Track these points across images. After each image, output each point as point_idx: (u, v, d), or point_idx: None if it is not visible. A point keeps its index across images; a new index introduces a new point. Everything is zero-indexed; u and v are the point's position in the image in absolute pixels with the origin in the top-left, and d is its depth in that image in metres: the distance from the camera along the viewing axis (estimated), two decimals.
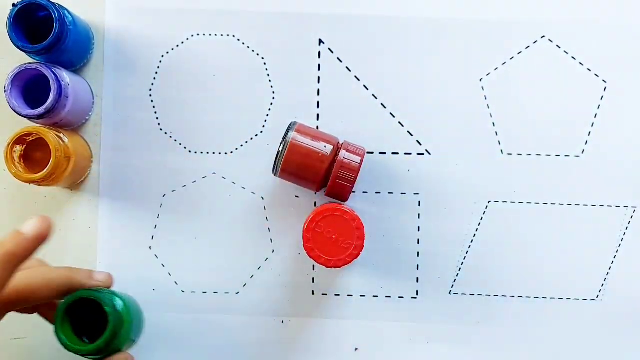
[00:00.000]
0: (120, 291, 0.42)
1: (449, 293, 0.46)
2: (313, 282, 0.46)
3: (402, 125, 0.46)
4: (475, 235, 0.46)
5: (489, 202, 0.46)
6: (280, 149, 0.41)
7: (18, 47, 0.41)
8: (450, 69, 0.46)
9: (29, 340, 0.46)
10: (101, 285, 0.40)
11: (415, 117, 0.46)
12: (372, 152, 0.46)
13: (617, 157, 0.46)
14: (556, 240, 0.46)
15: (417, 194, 0.46)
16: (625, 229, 0.46)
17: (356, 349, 0.46)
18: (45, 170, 0.40)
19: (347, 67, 0.46)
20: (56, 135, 0.41)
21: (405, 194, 0.46)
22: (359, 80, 0.46)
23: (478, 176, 0.46)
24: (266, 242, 0.46)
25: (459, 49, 0.46)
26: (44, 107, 0.40)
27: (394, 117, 0.46)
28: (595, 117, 0.46)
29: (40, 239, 0.35)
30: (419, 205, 0.46)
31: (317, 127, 0.46)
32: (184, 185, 0.46)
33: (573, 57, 0.46)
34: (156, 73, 0.46)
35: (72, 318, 0.38)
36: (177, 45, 0.46)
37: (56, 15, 0.40)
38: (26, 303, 0.37)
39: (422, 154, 0.46)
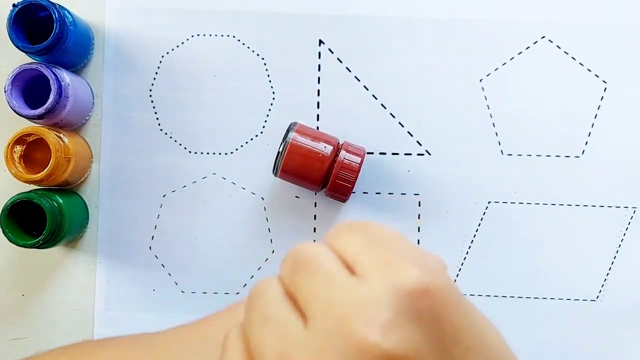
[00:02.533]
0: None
1: None
2: None
3: (402, 126, 0.46)
4: (475, 235, 0.46)
5: (489, 202, 0.46)
6: (280, 149, 0.41)
7: (18, 48, 0.41)
8: (450, 69, 0.46)
9: (29, 340, 0.46)
10: None
11: (415, 118, 0.46)
12: (372, 153, 0.46)
13: (617, 157, 0.46)
14: (556, 241, 0.46)
15: (417, 194, 0.46)
16: (625, 229, 0.46)
17: None
18: (45, 170, 0.40)
19: (347, 68, 0.46)
20: (56, 135, 0.41)
21: (405, 194, 0.46)
22: (359, 80, 0.46)
23: (478, 176, 0.46)
24: (266, 242, 0.46)
25: (459, 49, 0.46)
26: (44, 107, 0.40)
27: (394, 117, 0.46)
28: (595, 117, 0.46)
29: None
30: (419, 205, 0.46)
31: (317, 128, 0.46)
32: (184, 186, 0.46)
33: (573, 57, 0.46)
34: (156, 73, 0.46)
35: (22, 221, 0.42)
36: (177, 45, 0.46)
37: (56, 16, 0.40)
38: None
39: (422, 154, 0.46)
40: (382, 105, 0.46)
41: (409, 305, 0.21)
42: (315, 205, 0.46)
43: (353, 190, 0.43)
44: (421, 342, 0.21)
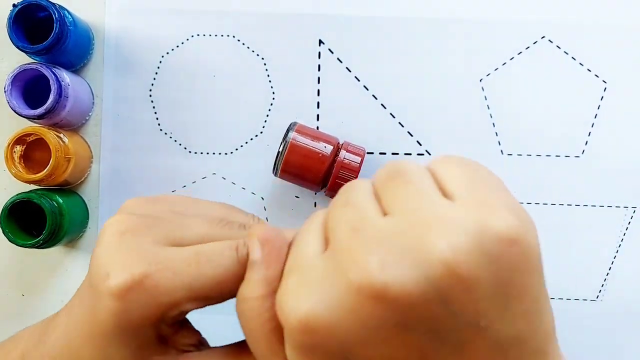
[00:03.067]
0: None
1: None
2: None
3: (402, 126, 0.46)
4: None
5: None
6: (280, 149, 0.41)
7: (18, 48, 0.41)
8: (450, 69, 0.46)
9: None
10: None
11: (415, 118, 0.46)
12: (372, 152, 0.46)
13: (617, 157, 0.46)
14: (556, 240, 0.46)
15: None
16: (625, 229, 0.46)
17: None
18: (45, 170, 0.40)
19: (347, 68, 0.46)
20: (56, 135, 0.41)
21: None
22: (359, 80, 0.46)
23: None
24: None
25: (459, 49, 0.46)
26: (44, 107, 0.40)
27: (394, 117, 0.46)
28: (595, 117, 0.46)
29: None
30: None
31: (317, 127, 0.46)
32: (184, 186, 0.46)
33: (573, 57, 0.46)
34: (156, 73, 0.46)
35: (22, 221, 0.42)
36: (177, 45, 0.46)
37: (56, 16, 0.40)
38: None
39: (422, 154, 0.46)
40: (382, 105, 0.46)
41: (491, 246, 0.21)
42: (315, 205, 0.46)
43: None
44: (488, 278, 0.21)
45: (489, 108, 0.46)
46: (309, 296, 0.21)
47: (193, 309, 0.26)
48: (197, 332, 0.28)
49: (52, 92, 0.40)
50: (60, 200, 0.42)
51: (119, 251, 0.25)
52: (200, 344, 0.28)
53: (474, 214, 0.21)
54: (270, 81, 0.46)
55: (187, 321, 0.28)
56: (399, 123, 0.46)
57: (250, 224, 0.29)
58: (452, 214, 0.21)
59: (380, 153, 0.46)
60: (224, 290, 0.25)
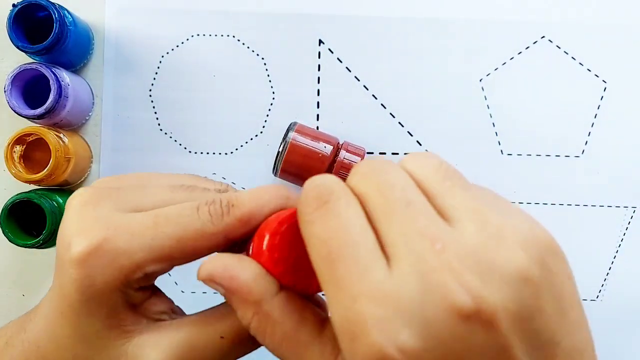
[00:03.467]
0: None
1: None
2: None
3: (402, 126, 0.46)
4: None
5: None
6: (280, 149, 0.41)
7: (18, 47, 0.41)
8: (450, 69, 0.46)
9: None
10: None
11: (415, 117, 0.46)
12: (372, 152, 0.46)
13: (617, 157, 0.46)
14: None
15: None
16: (625, 229, 0.46)
17: None
18: (45, 170, 0.40)
19: (347, 68, 0.46)
20: (56, 135, 0.41)
21: None
22: (359, 80, 0.46)
23: (478, 176, 0.46)
24: None
25: (459, 49, 0.46)
26: (44, 107, 0.40)
27: (394, 117, 0.46)
28: (595, 117, 0.46)
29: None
30: None
31: (317, 127, 0.46)
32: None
33: (573, 57, 0.46)
34: (156, 73, 0.46)
35: (22, 221, 0.42)
36: (177, 45, 0.46)
37: (56, 16, 0.40)
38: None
39: None
40: (382, 105, 0.46)
41: (549, 257, 0.20)
42: None
43: None
44: (552, 290, 0.20)
45: (488, 108, 0.46)
46: (402, 327, 0.19)
47: (158, 272, 0.25)
48: (169, 300, 0.28)
49: (52, 92, 0.40)
50: (60, 200, 0.42)
51: (79, 221, 0.25)
52: (173, 312, 0.27)
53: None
54: (270, 81, 0.46)
55: (157, 289, 0.28)
56: (399, 123, 0.46)
57: (218, 188, 0.28)
58: (516, 221, 0.20)
59: (380, 153, 0.46)
60: (186, 249, 0.25)
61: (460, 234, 0.20)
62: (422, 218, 0.20)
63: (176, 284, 0.46)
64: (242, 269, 0.23)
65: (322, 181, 0.23)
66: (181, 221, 0.25)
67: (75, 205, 0.26)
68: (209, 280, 0.24)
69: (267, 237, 0.24)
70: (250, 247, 0.25)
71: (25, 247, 0.41)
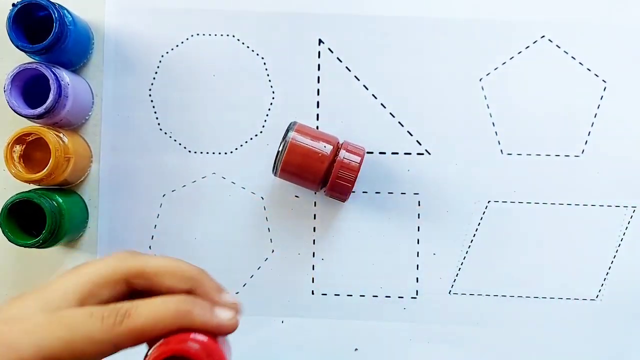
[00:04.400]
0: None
1: (449, 293, 0.46)
2: (313, 282, 0.46)
3: (402, 125, 0.46)
4: (475, 235, 0.46)
5: (489, 202, 0.46)
6: (280, 149, 0.41)
7: (18, 47, 0.41)
8: (450, 69, 0.46)
9: None
10: (223, 326, 0.29)
11: (415, 117, 0.46)
12: (371, 152, 0.46)
13: (617, 157, 0.46)
14: (556, 240, 0.46)
15: (417, 193, 0.46)
16: (625, 229, 0.46)
17: (356, 349, 0.46)
18: (44, 170, 0.40)
19: (347, 67, 0.46)
20: (56, 135, 0.41)
21: (405, 193, 0.46)
22: (358, 80, 0.46)
23: (478, 176, 0.46)
24: (266, 242, 0.46)
25: (459, 49, 0.46)
26: (44, 107, 0.40)
27: (393, 117, 0.46)
28: (595, 117, 0.46)
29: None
30: (419, 205, 0.46)
31: (317, 127, 0.46)
32: (184, 185, 0.46)
33: (573, 57, 0.46)
34: (156, 73, 0.46)
35: (22, 221, 0.42)
36: (177, 45, 0.46)
37: (56, 15, 0.40)
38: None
39: (422, 154, 0.46)
40: (381, 104, 0.46)
41: None
42: (315, 205, 0.46)
43: (353, 190, 0.43)
44: None
45: (488, 108, 0.46)
46: None
47: None
48: None
49: (51, 91, 0.40)
50: (60, 200, 0.42)
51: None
52: None
53: None
54: (270, 81, 0.46)
55: None
56: (399, 122, 0.46)
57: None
58: None
59: (380, 152, 0.46)
60: (75, 353, 0.26)
61: None
62: None
63: None
64: None
65: None
66: (72, 325, 0.26)
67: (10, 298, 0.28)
68: None
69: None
70: (148, 354, 0.27)
71: (25, 247, 0.41)
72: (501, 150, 0.46)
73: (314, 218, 0.46)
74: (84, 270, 0.29)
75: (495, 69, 0.46)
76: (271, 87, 0.46)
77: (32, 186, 0.43)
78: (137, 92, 0.46)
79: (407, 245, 0.46)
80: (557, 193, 0.46)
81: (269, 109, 0.46)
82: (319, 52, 0.46)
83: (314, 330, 0.46)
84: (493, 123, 0.46)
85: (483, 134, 0.46)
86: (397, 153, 0.46)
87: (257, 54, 0.46)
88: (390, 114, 0.46)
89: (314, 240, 0.46)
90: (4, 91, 0.40)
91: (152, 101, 0.46)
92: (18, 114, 0.41)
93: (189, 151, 0.46)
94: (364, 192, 0.46)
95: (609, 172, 0.46)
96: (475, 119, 0.46)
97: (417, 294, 0.46)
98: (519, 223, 0.46)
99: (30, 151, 0.42)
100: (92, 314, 0.27)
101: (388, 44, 0.46)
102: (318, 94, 0.46)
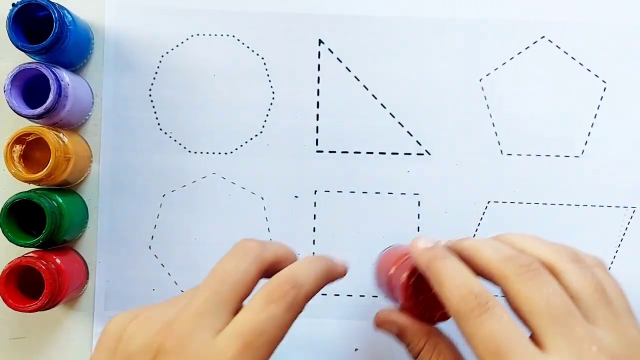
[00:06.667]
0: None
1: None
2: None
3: (402, 126, 0.46)
4: (474, 235, 0.46)
5: (489, 202, 0.46)
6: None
7: (18, 47, 0.41)
8: (450, 69, 0.46)
9: (29, 340, 0.46)
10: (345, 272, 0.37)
11: (415, 117, 0.46)
12: (371, 152, 0.46)
13: (617, 157, 0.46)
14: (556, 241, 0.46)
15: (417, 194, 0.46)
16: (625, 229, 0.46)
17: (356, 349, 0.46)
18: (44, 170, 0.40)
19: (347, 67, 0.46)
20: (56, 135, 0.41)
21: (405, 194, 0.46)
22: (358, 80, 0.46)
23: (478, 176, 0.46)
24: None
25: (459, 49, 0.46)
26: (44, 107, 0.40)
27: (393, 117, 0.46)
28: (595, 117, 0.46)
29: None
30: (419, 205, 0.46)
31: (317, 127, 0.46)
32: (184, 185, 0.46)
33: (573, 57, 0.46)
34: (156, 73, 0.46)
35: (21, 221, 0.42)
36: (177, 45, 0.46)
37: (56, 15, 0.40)
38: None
39: (422, 154, 0.46)
40: (381, 105, 0.46)
41: None
42: (315, 205, 0.46)
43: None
44: None
45: (488, 108, 0.46)
46: None
47: None
48: None
49: (51, 91, 0.40)
50: (60, 200, 0.42)
51: None
52: None
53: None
54: (270, 81, 0.46)
55: None
56: (399, 123, 0.46)
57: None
58: None
59: (380, 153, 0.46)
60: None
61: (607, 341, 0.27)
62: (580, 328, 0.27)
63: (176, 283, 0.46)
64: (399, 317, 0.34)
65: (473, 287, 0.29)
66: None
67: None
68: (382, 325, 0.34)
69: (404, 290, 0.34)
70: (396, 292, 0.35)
71: (25, 247, 0.41)
72: (501, 151, 0.46)
73: (314, 218, 0.46)
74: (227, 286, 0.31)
75: (495, 69, 0.46)
76: (271, 87, 0.46)
77: (32, 186, 0.43)
78: (137, 92, 0.46)
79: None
80: (557, 193, 0.46)
81: (269, 109, 0.46)
82: (319, 53, 0.46)
83: (314, 330, 0.46)
84: (493, 123, 0.46)
85: (483, 134, 0.46)
86: (397, 153, 0.46)
87: (257, 54, 0.46)
88: (390, 114, 0.46)
89: (313, 241, 0.46)
90: (4, 91, 0.40)
91: (152, 101, 0.46)
92: (18, 114, 0.41)
93: (189, 151, 0.46)
94: (363, 192, 0.46)
95: (608, 173, 0.46)
96: (475, 119, 0.46)
97: None
98: (519, 223, 0.46)
99: (30, 151, 0.42)
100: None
101: (388, 45, 0.46)
102: (318, 94, 0.46)
